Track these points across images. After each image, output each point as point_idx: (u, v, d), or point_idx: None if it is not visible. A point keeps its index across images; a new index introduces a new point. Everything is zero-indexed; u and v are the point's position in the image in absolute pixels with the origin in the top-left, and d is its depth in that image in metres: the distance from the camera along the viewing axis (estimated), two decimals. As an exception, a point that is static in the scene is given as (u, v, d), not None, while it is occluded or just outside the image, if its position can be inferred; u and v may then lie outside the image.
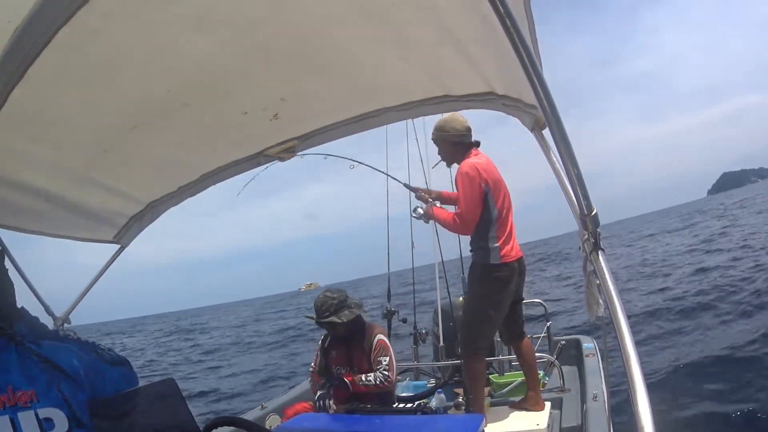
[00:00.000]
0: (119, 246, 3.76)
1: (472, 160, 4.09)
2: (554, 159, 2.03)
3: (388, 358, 4.05)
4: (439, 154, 4.43)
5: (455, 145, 4.23)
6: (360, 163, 4.80)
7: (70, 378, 1.75)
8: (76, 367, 1.78)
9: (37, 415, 1.64)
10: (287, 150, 3.17)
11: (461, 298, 5.57)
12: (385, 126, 3.24)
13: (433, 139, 4.34)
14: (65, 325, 3.70)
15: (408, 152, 5.74)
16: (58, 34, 1.64)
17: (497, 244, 4.05)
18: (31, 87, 1.88)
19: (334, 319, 4.01)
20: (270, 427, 4.20)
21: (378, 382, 3.96)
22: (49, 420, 1.66)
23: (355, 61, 2.43)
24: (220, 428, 2.38)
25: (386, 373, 4.00)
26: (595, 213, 1.77)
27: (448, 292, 5.58)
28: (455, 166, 4.30)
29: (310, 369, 4.40)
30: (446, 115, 4.10)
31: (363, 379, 3.97)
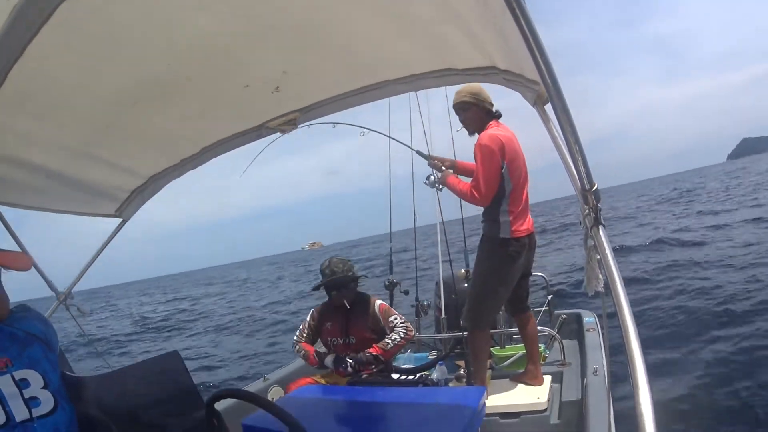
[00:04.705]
0: (121, 220, 3.78)
1: (492, 131, 4.02)
2: (556, 134, 2.02)
3: (396, 315, 4.15)
4: (461, 121, 4.32)
5: (486, 113, 4.17)
6: (370, 129, 4.72)
7: (43, 341, 2.05)
8: (42, 331, 2.07)
9: (13, 377, 1.90)
10: (289, 122, 3.16)
11: (463, 271, 5.59)
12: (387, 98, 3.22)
13: (463, 101, 4.21)
14: (68, 300, 3.74)
15: (410, 124, 5.70)
16: (57, 11, 1.63)
17: (509, 219, 4.02)
18: (31, 64, 1.88)
19: (351, 274, 4.16)
20: (273, 399, 4.24)
21: (402, 336, 4.04)
22: (24, 380, 1.93)
23: (356, 34, 2.40)
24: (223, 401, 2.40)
25: (404, 325, 4.10)
26: (596, 188, 1.77)
27: (450, 265, 5.60)
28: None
29: (295, 339, 4.41)
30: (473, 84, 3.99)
31: (390, 342, 4.01)
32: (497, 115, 4.18)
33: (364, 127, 4.42)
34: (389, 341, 4.01)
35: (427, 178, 4.52)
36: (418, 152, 4.74)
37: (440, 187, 4.41)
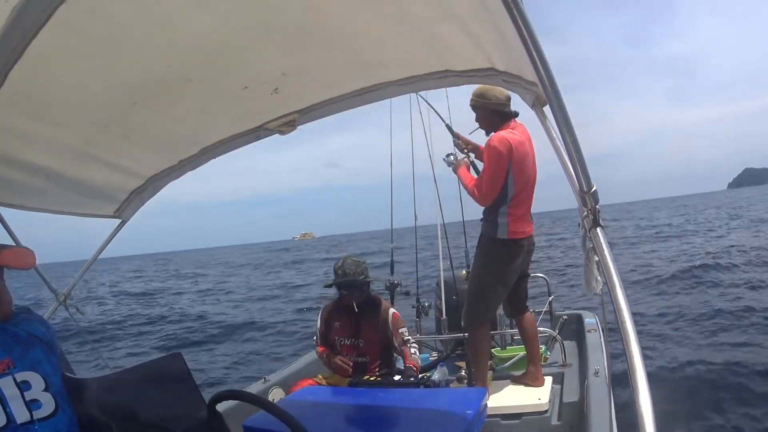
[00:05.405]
0: (120, 221, 3.78)
1: (505, 134, 4.02)
2: (554, 136, 2.02)
3: (406, 329, 4.27)
4: (476, 120, 4.33)
5: (495, 113, 4.16)
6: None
7: (44, 343, 2.03)
8: (44, 332, 2.07)
9: (14, 379, 1.88)
10: (287, 123, 3.16)
11: (464, 272, 5.59)
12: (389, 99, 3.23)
13: (472, 105, 4.24)
14: (68, 301, 3.74)
15: (411, 125, 5.72)
16: (56, 12, 1.63)
17: (506, 221, 4.04)
18: (30, 65, 1.87)
19: (363, 278, 4.21)
20: (274, 400, 4.25)
21: (419, 356, 4.28)
22: (26, 382, 1.91)
23: (356, 35, 2.40)
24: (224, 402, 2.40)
25: (415, 345, 4.28)
26: (595, 190, 1.77)
27: (452, 266, 5.60)
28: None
29: (314, 342, 4.49)
30: None
31: (417, 358, 4.23)
32: (513, 115, 4.18)
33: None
34: (416, 356, 4.21)
35: (447, 155, 4.55)
36: (448, 126, 4.77)
37: (454, 170, 4.45)
